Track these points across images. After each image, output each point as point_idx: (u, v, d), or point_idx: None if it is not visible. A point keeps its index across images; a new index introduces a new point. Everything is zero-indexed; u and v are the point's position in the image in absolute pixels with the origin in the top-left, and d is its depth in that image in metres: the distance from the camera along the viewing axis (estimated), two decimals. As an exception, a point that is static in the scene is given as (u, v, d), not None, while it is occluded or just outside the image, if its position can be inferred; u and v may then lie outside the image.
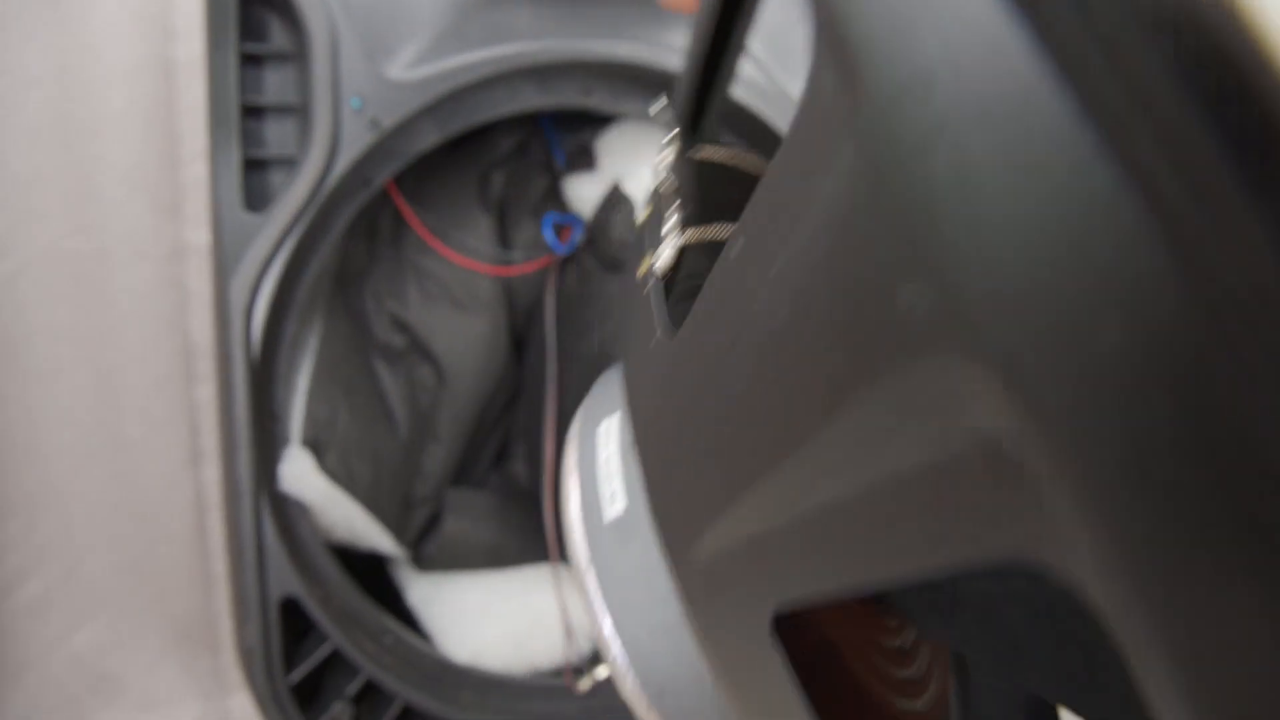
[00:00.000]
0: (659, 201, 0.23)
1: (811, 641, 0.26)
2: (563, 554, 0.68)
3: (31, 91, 0.64)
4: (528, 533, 0.70)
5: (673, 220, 0.22)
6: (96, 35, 0.65)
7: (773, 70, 0.61)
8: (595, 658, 0.68)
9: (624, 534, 0.24)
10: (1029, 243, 0.09)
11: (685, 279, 0.21)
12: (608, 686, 0.66)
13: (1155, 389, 0.09)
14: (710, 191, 0.24)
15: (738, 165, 0.26)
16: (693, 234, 0.22)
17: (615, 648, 0.24)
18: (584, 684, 0.65)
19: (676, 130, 0.25)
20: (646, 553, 0.24)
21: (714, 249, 0.23)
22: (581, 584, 0.25)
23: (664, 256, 0.21)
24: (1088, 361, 0.09)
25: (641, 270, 0.22)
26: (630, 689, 0.25)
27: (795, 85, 0.61)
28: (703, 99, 0.25)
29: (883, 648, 0.29)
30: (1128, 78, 0.09)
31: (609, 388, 0.29)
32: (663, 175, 0.24)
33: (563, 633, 0.67)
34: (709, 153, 0.25)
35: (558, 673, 0.66)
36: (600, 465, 0.26)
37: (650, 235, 0.23)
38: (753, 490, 0.16)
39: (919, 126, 0.10)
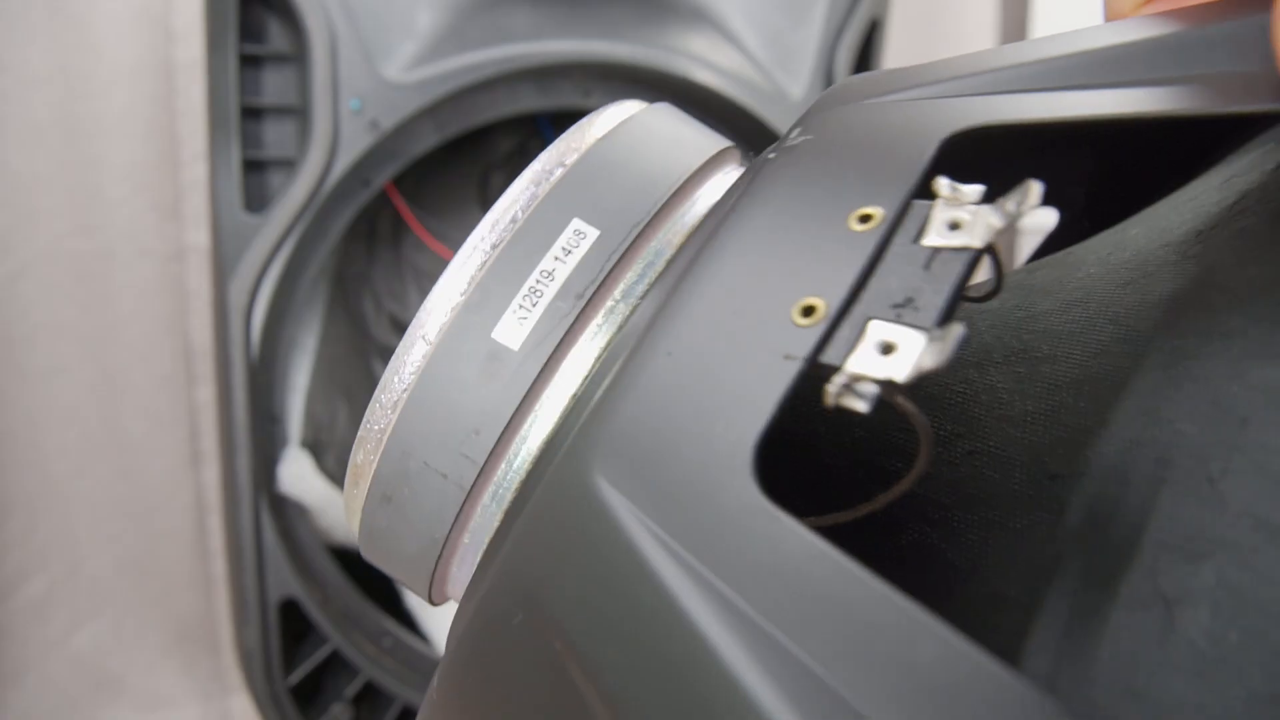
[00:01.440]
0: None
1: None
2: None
3: (33, 91, 0.64)
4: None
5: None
6: (98, 36, 0.66)
7: (772, 71, 0.60)
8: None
9: (493, 367, 0.17)
10: None
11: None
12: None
13: None
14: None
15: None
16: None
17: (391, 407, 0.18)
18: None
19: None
20: (498, 409, 0.17)
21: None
22: (404, 345, 0.18)
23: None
24: None
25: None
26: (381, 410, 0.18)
27: (795, 85, 0.61)
28: None
29: None
30: None
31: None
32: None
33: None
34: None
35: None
36: (536, 273, 0.17)
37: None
38: None
39: None
